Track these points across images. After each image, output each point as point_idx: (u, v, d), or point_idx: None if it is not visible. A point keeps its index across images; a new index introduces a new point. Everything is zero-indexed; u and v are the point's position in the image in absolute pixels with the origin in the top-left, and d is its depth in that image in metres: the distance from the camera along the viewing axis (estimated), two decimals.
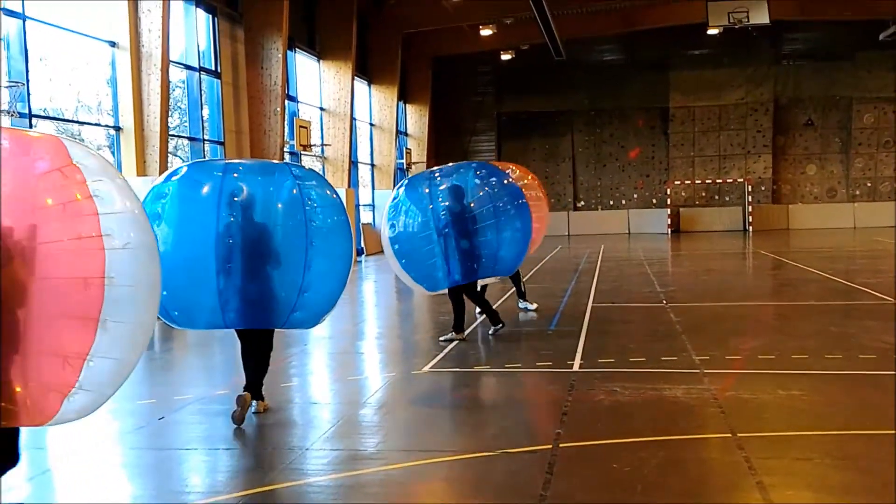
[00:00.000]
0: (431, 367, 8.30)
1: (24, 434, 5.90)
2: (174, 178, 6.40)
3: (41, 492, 5.11)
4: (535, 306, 11.81)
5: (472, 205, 9.18)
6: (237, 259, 6.26)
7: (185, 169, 6.60)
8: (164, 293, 5.22)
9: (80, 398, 3.68)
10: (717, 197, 33.58)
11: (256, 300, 6.34)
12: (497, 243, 9.18)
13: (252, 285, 6.28)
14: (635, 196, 34.20)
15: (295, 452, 5.74)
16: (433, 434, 6.18)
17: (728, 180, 32.85)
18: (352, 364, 8.71)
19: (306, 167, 8.04)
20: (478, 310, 10.79)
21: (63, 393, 3.60)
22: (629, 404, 6.57)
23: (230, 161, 7.01)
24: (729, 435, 5.68)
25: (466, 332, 9.85)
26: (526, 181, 11.42)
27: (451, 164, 10.20)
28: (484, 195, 9.28)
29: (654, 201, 33.64)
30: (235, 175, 6.45)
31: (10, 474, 5.43)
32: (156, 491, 5.11)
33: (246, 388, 6.56)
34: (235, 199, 6.30)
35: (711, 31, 28.08)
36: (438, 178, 9.56)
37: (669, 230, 31.98)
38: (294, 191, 6.35)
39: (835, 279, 14.56)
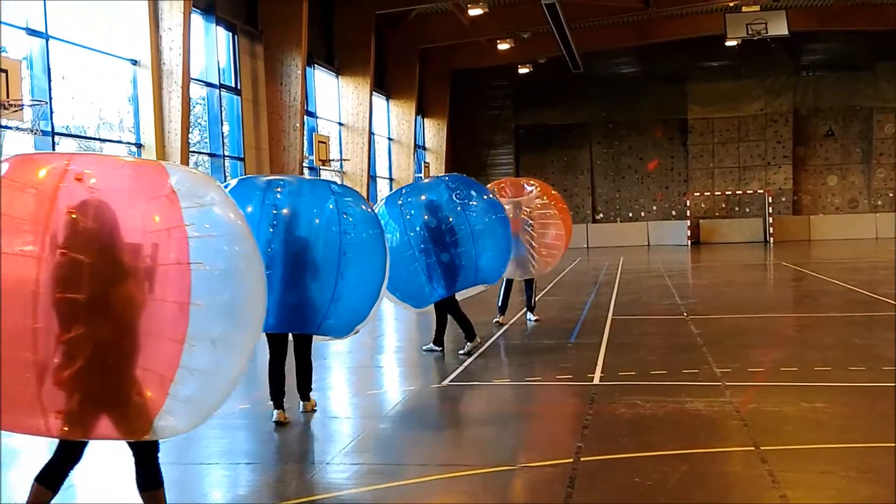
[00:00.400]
0: (450, 381, 8.29)
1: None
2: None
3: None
4: (535, 318, 11.93)
5: (449, 219, 9.17)
6: (277, 269, 6.40)
7: (233, 182, 6.85)
8: None
9: (172, 418, 3.80)
10: (737, 208, 33.41)
11: (294, 305, 6.51)
12: (476, 253, 9.20)
13: (292, 293, 6.45)
14: (654, 208, 34.08)
15: (315, 467, 5.74)
16: (453, 448, 6.17)
17: (748, 191, 32.67)
18: (371, 378, 8.71)
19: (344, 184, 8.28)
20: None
21: (155, 411, 3.73)
22: (650, 417, 6.53)
23: (273, 178, 7.19)
24: (752, 448, 5.63)
25: (486, 345, 9.83)
26: (543, 200, 11.43)
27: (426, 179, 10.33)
28: (458, 207, 9.29)
29: (674, 213, 33.51)
30: (278, 190, 6.65)
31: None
32: None
33: (277, 406, 6.75)
34: (275, 212, 6.51)
35: (730, 43, 28.02)
36: (411, 196, 9.55)
37: (689, 242, 31.82)
38: (331, 206, 6.54)
39: (857, 290, 14.43)
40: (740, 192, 32.78)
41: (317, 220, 6.58)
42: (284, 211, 6.55)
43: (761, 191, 32.30)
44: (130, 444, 4.04)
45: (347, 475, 5.48)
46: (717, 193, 32.97)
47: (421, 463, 5.73)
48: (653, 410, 6.71)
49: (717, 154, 33.19)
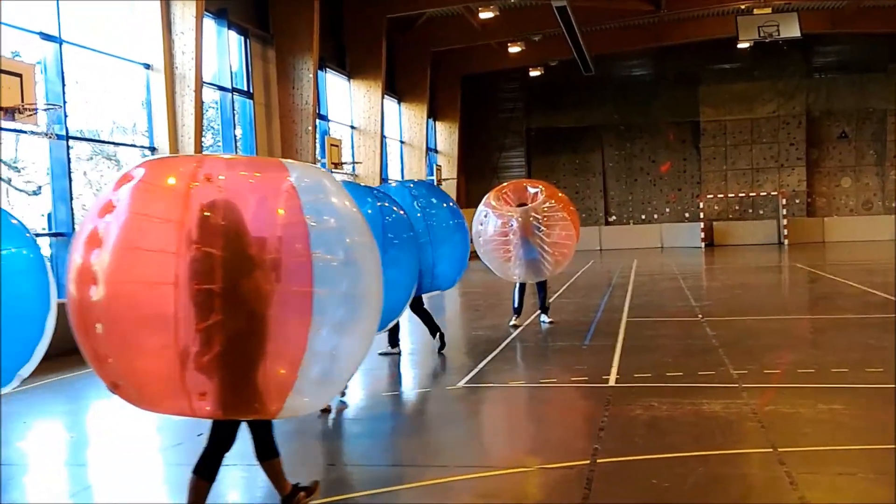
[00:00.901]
0: (466, 383, 8.28)
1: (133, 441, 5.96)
2: None
3: None
4: (549, 320, 11.94)
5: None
6: None
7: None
8: None
9: (302, 397, 4.11)
10: (750, 210, 33.28)
11: None
12: (433, 259, 9.20)
13: None
14: (667, 210, 33.99)
15: (333, 469, 5.74)
16: (469, 450, 6.16)
17: (762, 193, 32.54)
18: (386, 380, 8.71)
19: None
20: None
21: (287, 392, 4.00)
22: (667, 419, 6.50)
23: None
24: (770, 450, 5.59)
25: (500, 347, 9.82)
26: (551, 203, 11.43)
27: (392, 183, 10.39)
28: (418, 214, 9.30)
29: (687, 215, 33.40)
30: None
31: (57, 490, 5.50)
32: None
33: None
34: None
35: (742, 45, 27.92)
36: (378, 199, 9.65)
37: (703, 244, 31.71)
38: (370, 211, 6.81)
39: (873, 292, 14.34)
40: (754, 193, 32.66)
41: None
42: None
43: (775, 193, 32.17)
44: (249, 421, 4.45)
45: (365, 477, 5.48)
46: (730, 195, 32.86)
47: (438, 464, 5.71)
48: (669, 412, 6.68)
49: (730, 156, 33.08)
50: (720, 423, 6.36)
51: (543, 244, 11.29)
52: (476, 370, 8.80)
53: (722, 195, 32.87)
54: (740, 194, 32.76)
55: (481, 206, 11.93)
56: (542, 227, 11.30)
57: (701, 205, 32.36)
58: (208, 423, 7.03)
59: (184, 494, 5.43)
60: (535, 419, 7.06)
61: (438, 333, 9.96)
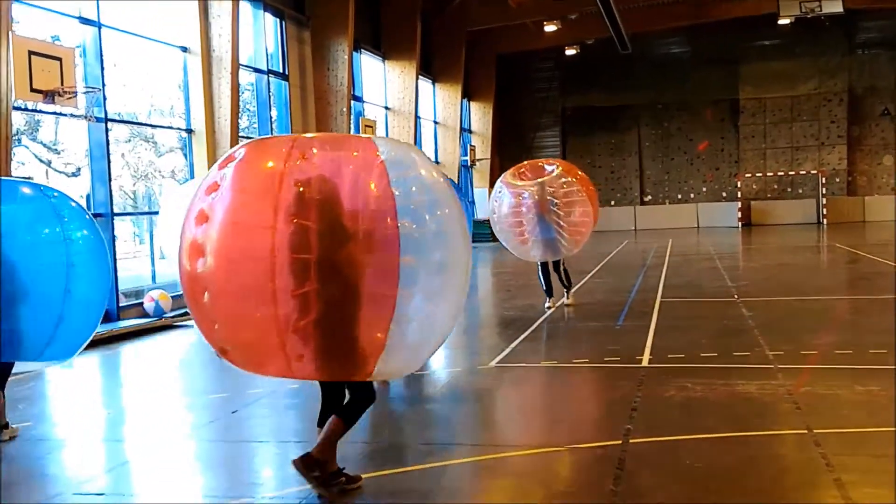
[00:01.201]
0: (498, 363, 8.30)
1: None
2: None
3: (118, 483, 5.26)
4: (569, 302, 11.87)
5: None
6: None
7: None
8: None
9: (392, 361, 4.35)
10: (789, 189, 32.78)
11: None
12: None
13: None
14: (704, 189, 33.60)
15: (364, 446, 5.79)
16: (501, 429, 6.18)
17: (801, 172, 32.03)
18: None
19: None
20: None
21: (378, 356, 4.25)
22: (701, 400, 6.46)
23: None
24: (805, 431, 5.54)
25: (532, 327, 9.81)
26: (567, 179, 11.22)
27: None
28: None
29: (724, 194, 32.99)
30: None
31: (94, 465, 5.63)
32: (228, 483, 5.21)
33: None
34: None
35: (783, 22, 27.41)
36: None
37: (740, 224, 31.32)
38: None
39: None
40: (793, 172, 32.15)
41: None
42: None
43: (814, 171, 31.64)
44: (350, 384, 4.72)
45: (396, 455, 5.52)
46: (769, 174, 32.38)
47: (469, 443, 5.74)
48: (703, 393, 6.64)
49: (770, 134, 32.57)
50: (755, 404, 6.31)
51: (559, 221, 11.06)
52: (508, 350, 8.81)
53: (760, 174, 32.40)
54: (779, 173, 32.27)
55: (497, 184, 11.81)
56: (558, 202, 11.07)
57: (739, 184, 31.94)
58: (242, 401, 7.15)
59: (217, 470, 5.53)
60: (567, 399, 7.06)
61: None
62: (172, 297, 12.48)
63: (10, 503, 4.91)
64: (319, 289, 4.09)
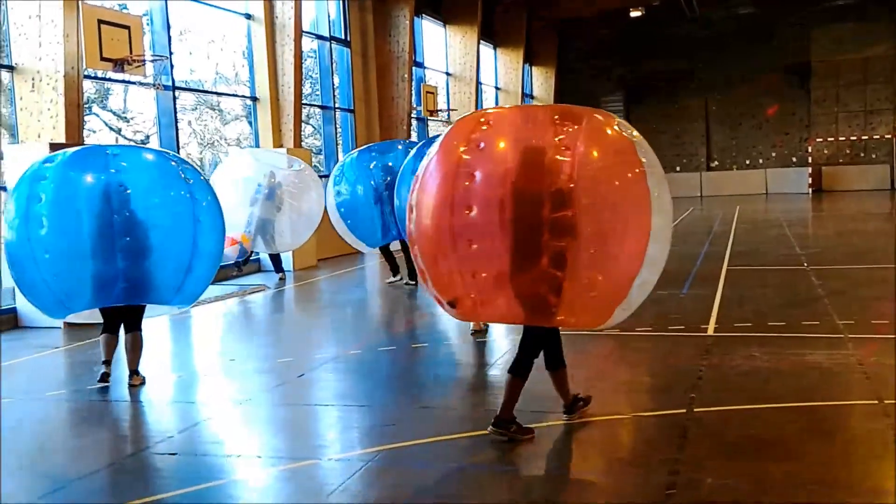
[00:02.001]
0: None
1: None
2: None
3: (190, 444, 5.42)
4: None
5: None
6: None
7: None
8: None
9: (628, 306, 4.94)
10: (862, 154, 31.75)
11: None
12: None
13: None
14: (773, 155, 32.74)
15: (427, 411, 5.86)
16: None
17: (874, 137, 30.98)
18: (479, 326, 8.75)
19: None
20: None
21: (619, 302, 4.85)
22: (768, 370, 6.36)
23: None
24: (875, 402, 5.42)
25: None
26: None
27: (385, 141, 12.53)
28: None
29: (794, 160, 32.12)
30: None
31: (167, 425, 5.80)
32: (294, 444, 5.33)
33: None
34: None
35: None
36: (375, 155, 11.89)
37: (810, 190, 30.51)
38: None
39: None
40: (866, 137, 31.11)
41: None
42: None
43: (889, 136, 30.57)
44: (539, 335, 5.11)
45: (459, 420, 5.56)
46: (840, 139, 31.40)
47: (531, 410, 5.75)
48: (770, 363, 6.54)
49: (842, 98, 31.53)
50: (824, 374, 6.19)
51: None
52: None
53: (832, 138, 31.44)
54: (851, 137, 31.26)
55: None
56: None
57: (809, 149, 31.06)
58: (308, 365, 7.28)
59: (283, 433, 5.66)
60: (631, 367, 7.01)
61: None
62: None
63: (91, 461, 5.10)
64: (543, 243, 4.55)
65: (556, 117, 4.81)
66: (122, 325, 6.76)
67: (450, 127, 5.08)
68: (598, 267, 4.65)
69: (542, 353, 5.22)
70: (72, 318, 6.83)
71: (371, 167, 11.72)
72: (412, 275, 11.36)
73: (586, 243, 4.57)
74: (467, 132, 4.83)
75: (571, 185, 4.55)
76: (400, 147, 12.00)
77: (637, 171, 4.75)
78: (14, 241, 6.27)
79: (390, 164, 11.46)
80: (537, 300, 4.69)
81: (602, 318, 4.98)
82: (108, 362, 6.78)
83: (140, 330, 6.75)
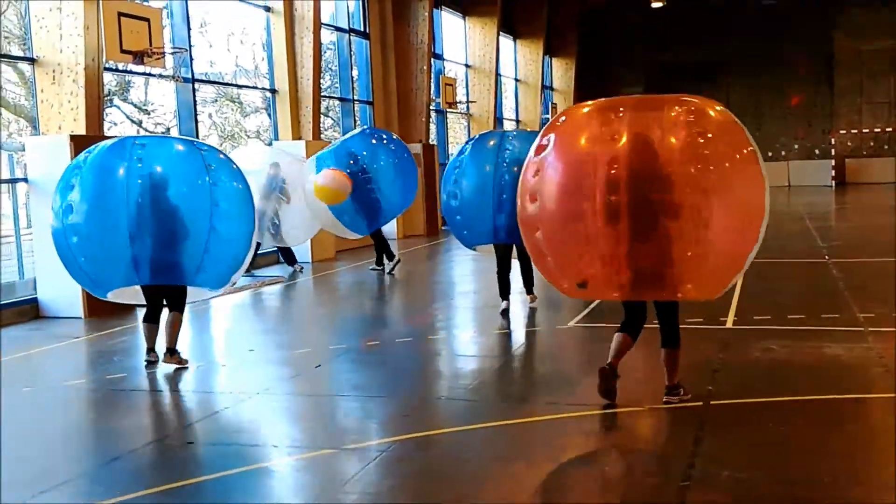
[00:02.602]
0: (576, 322, 8.26)
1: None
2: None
3: (207, 433, 5.46)
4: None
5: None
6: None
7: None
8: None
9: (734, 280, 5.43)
10: (886, 146, 31.37)
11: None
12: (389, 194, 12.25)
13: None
14: (796, 147, 32.44)
15: (442, 402, 5.87)
16: (579, 387, 6.15)
17: None
18: (496, 318, 8.76)
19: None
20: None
21: (731, 279, 5.42)
22: (787, 363, 6.32)
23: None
24: (893, 395, 5.37)
25: None
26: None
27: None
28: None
29: (817, 152, 31.82)
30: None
31: (186, 414, 5.84)
32: (311, 434, 5.35)
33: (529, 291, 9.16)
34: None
35: None
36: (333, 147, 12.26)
37: (833, 182, 30.22)
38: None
39: None
40: (890, 129, 30.74)
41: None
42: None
43: None
44: (661, 311, 5.41)
45: (473, 411, 5.57)
46: (864, 131, 31.04)
47: (547, 401, 5.75)
48: (789, 356, 6.49)
49: (866, 88, 31.16)
50: (843, 367, 6.14)
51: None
52: (587, 310, 8.75)
53: (856, 130, 31.10)
54: (875, 129, 30.90)
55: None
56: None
57: (833, 140, 30.75)
58: (325, 356, 7.31)
59: (300, 422, 5.68)
60: (647, 359, 6.96)
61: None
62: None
63: (109, 449, 5.15)
64: (664, 219, 4.94)
65: (664, 104, 5.18)
66: (163, 308, 7.06)
67: (560, 119, 5.50)
68: (715, 243, 5.03)
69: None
70: (115, 297, 7.15)
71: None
72: (379, 260, 12.55)
73: (699, 222, 4.95)
74: (585, 123, 5.26)
75: (681, 169, 4.94)
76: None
77: (747, 150, 5.19)
78: (56, 228, 6.71)
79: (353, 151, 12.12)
80: (657, 276, 5.10)
81: (720, 290, 5.38)
82: (151, 349, 7.06)
83: (181, 311, 7.01)
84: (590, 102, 5.50)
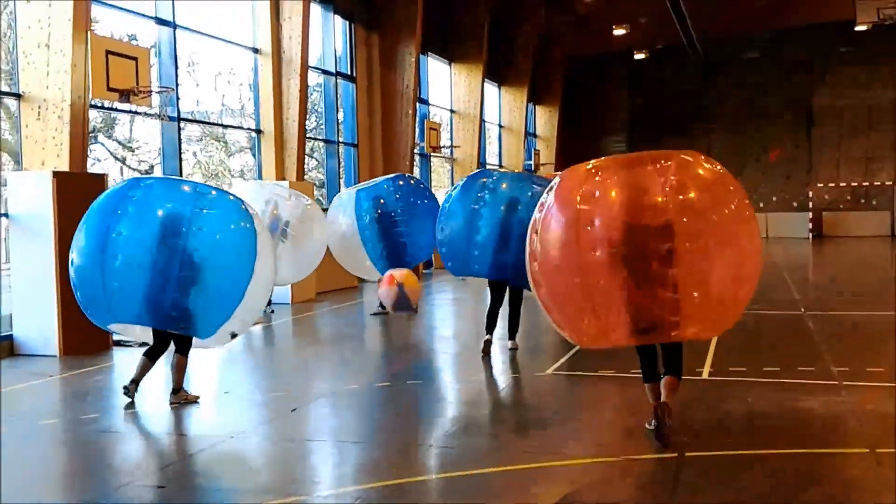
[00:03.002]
0: (555, 370, 8.27)
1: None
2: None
3: (179, 477, 5.40)
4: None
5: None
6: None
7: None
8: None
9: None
10: (863, 200, 31.87)
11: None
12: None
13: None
14: (774, 199, 32.87)
15: (419, 449, 5.84)
16: (556, 436, 6.15)
17: (876, 183, 31.13)
18: (475, 364, 8.77)
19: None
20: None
21: (734, 320, 5.74)
22: (762, 415, 6.35)
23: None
24: (867, 450, 5.41)
25: None
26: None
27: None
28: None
29: (795, 204, 32.25)
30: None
31: (155, 457, 5.77)
32: (286, 480, 5.30)
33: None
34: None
35: (860, 28, 26.70)
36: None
37: (811, 234, 30.59)
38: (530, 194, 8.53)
39: None
40: (867, 183, 31.25)
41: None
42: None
43: (889, 182, 30.72)
44: (667, 348, 5.75)
45: (449, 458, 5.55)
46: (842, 184, 31.54)
47: (523, 450, 5.75)
48: (765, 408, 6.53)
49: (844, 143, 31.72)
50: (818, 420, 6.18)
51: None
52: (565, 358, 8.77)
53: (833, 184, 31.58)
54: (853, 183, 31.40)
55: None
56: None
57: (810, 193, 31.18)
58: (301, 400, 7.26)
59: (275, 467, 5.63)
60: (624, 410, 7.00)
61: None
62: None
63: (80, 491, 5.08)
64: (638, 271, 5.20)
65: (653, 160, 5.46)
66: (166, 349, 7.19)
67: (559, 179, 5.73)
68: (718, 290, 5.33)
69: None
70: (120, 331, 7.26)
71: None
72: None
73: (695, 269, 5.22)
74: (580, 182, 5.48)
75: (673, 219, 5.19)
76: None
77: (738, 200, 5.45)
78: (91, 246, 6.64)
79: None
80: (659, 322, 5.33)
81: (724, 328, 5.74)
82: (136, 382, 7.13)
83: (187, 355, 7.06)
84: (592, 161, 5.75)
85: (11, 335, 9.74)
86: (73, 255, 6.76)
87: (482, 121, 24.48)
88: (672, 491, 4.78)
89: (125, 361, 9.29)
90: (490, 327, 9.10)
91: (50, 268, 9.45)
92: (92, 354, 9.43)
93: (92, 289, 6.69)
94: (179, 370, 7.04)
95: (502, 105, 28.53)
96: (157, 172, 14.44)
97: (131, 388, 7.09)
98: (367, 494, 4.80)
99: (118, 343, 10.18)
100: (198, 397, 7.17)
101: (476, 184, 9.10)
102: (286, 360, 10.08)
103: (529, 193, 8.71)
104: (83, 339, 9.63)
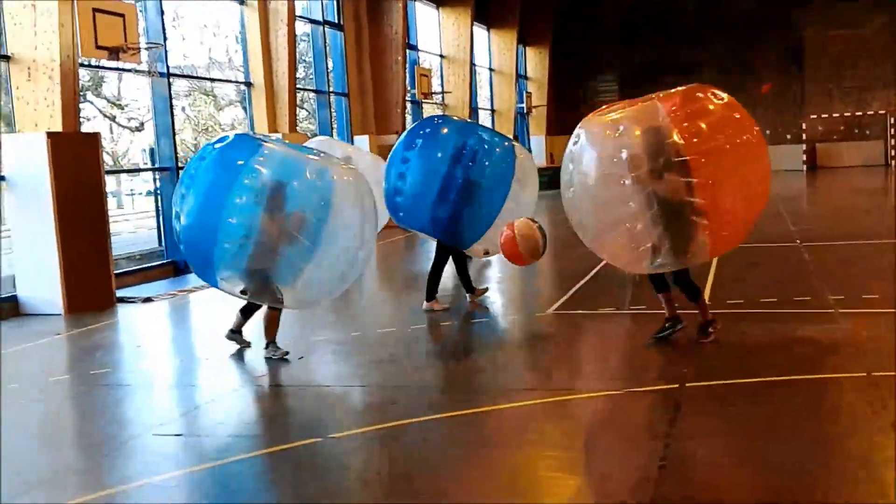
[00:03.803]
0: (555, 310, 8.38)
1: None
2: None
3: (193, 426, 5.53)
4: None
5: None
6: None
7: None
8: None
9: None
10: (856, 130, 31.80)
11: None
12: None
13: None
14: (768, 132, 32.73)
15: (422, 391, 5.97)
16: (557, 373, 6.28)
17: (869, 113, 31.03)
18: (476, 307, 8.87)
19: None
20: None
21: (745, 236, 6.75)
22: (759, 345, 6.48)
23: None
24: (864, 374, 5.54)
25: (591, 274, 9.87)
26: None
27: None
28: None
29: (789, 136, 32.18)
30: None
31: (169, 409, 5.90)
32: (294, 424, 5.44)
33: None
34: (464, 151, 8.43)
35: None
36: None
37: (805, 166, 30.60)
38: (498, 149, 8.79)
39: None
40: (860, 113, 31.15)
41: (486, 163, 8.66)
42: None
43: (883, 112, 30.63)
44: (676, 275, 6.52)
45: (452, 398, 5.67)
46: (834, 115, 31.44)
47: (524, 388, 5.87)
48: (762, 338, 6.66)
49: (836, 74, 31.54)
50: (814, 348, 6.31)
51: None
52: (566, 297, 8.88)
53: (826, 115, 31.48)
54: (845, 114, 31.31)
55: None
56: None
57: (804, 125, 31.11)
58: (308, 348, 7.36)
59: (284, 413, 5.75)
60: (623, 344, 7.13)
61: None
62: None
63: (90, 441, 5.21)
64: (666, 200, 5.96)
65: (667, 98, 6.31)
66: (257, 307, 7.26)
67: (589, 122, 6.43)
68: (734, 211, 6.15)
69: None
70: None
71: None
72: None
73: (713, 194, 5.93)
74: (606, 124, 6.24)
75: (690, 152, 5.91)
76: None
77: (746, 127, 6.45)
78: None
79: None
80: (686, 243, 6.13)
81: (736, 244, 6.73)
82: (236, 331, 7.33)
83: (279, 311, 7.04)
84: (615, 108, 6.47)
85: (15, 296, 9.83)
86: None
87: (472, 65, 24.30)
88: (672, 420, 4.91)
89: (129, 317, 9.41)
90: (430, 293, 8.59)
91: (50, 227, 9.49)
92: (96, 312, 9.53)
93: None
94: (272, 324, 7.02)
95: (492, 48, 28.27)
96: (149, 129, 14.39)
97: (237, 337, 7.29)
98: (375, 435, 4.92)
99: (121, 300, 10.28)
100: (287, 352, 6.96)
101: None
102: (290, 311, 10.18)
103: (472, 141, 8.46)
104: (87, 297, 9.73)
